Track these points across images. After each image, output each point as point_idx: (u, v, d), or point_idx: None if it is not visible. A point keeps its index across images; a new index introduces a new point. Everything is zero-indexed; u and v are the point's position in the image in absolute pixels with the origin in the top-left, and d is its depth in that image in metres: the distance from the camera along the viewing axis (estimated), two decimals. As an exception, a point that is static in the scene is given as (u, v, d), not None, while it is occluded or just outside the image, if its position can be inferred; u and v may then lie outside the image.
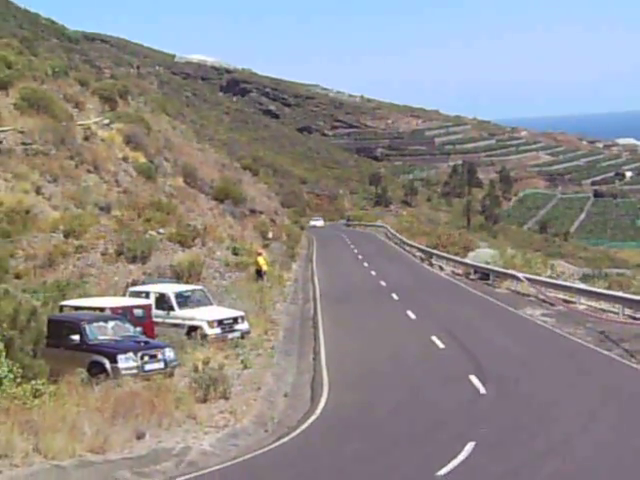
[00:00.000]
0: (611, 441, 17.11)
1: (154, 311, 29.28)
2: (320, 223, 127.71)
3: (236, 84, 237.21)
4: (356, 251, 76.11)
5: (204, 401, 21.29)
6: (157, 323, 28.93)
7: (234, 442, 18.73)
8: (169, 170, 61.72)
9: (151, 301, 30.08)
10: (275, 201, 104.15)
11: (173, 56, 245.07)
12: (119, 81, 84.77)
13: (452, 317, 36.20)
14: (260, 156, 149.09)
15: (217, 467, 17.03)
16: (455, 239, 76.64)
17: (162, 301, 30.84)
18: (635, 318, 32.13)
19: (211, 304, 32.05)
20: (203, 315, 30.30)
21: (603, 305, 35.91)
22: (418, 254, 69.07)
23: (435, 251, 65.02)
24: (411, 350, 29.42)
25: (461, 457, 16.24)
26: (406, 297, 42.93)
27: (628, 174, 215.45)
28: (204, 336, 29.18)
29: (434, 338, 30.29)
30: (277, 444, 18.68)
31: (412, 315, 36.85)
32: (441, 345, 29.32)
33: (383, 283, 50.36)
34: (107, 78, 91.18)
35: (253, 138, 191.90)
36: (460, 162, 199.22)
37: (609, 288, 42.17)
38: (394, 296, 43.92)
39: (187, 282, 37.53)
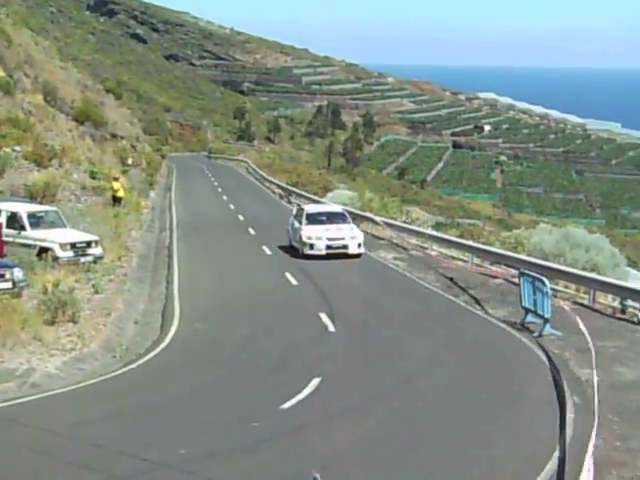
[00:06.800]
0: (451, 381, 17.71)
1: (4, 230, 28.58)
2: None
3: (104, 4, 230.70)
4: (216, 184, 75.69)
5: (52, 324, 20.99)
6: (7, 242, 28.25)
7: (80, 366, 18.56)
8: (28, 86, 59.69)
9: (2, 219, 29.31)
10: (137, 127, 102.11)
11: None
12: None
13: (307, 255, 36.45)
14: (124, 80, 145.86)
15: (61, 390, 16.87)
16: (315, 179, 77.32)
17: (14, 220, 30.10)
18: (483, 267, 33.11)
19: (65, 226, 31.47)
20: (55, 237, 29.74)
21: (454, 253, 36.80)
22: (278, 191, 69.15)
23: (295, 189, 65.26)
24: (264, 285, 29.63)
25: (306, 392, 16.54)
26: (263, 233, 43.04)
27: (486, 127, 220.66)
28: (55, 258, 28.71)
29: (288, 274, 30.57)
30: (124, 370, 18.62)
31: (268, 251, 37.04)
32: (294, 282, 29.61)
33: (241, 217, 50.37)
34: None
35: (118, 61, 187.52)
36: (325, 103, 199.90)
37: (461, 237, 43.21)
38: (251, 231, 44.02)
39: (41, 203, 36.63)
